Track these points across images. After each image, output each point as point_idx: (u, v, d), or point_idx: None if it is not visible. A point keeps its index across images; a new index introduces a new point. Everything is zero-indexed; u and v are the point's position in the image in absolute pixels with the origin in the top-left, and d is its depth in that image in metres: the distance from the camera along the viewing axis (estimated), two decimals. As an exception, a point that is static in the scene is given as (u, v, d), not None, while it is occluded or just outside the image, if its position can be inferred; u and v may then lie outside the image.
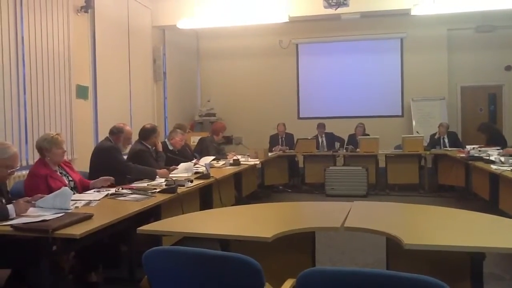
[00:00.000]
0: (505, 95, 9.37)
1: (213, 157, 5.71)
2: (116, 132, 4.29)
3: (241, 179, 5.78)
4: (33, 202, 2.82)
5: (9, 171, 2.86)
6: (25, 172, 4.65)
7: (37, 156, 4.97)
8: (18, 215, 2.60)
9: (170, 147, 5.42)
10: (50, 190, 3.23)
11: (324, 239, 4.13)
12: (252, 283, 1.56)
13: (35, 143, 3.52)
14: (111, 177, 3.69)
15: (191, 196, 4.07)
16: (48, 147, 3.36)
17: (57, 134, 3.49)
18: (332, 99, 9.86)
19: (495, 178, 5.10)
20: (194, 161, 5.38)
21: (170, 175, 4.31)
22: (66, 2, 5.78)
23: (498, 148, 6.45)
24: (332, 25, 9.31)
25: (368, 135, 8.17)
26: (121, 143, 4.27)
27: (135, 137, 4.76)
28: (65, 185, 3.43)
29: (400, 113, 9.65)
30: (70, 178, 3.56)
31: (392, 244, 2.37)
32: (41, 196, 2.89)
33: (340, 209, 2.81)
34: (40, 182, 3.26)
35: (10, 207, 2.60)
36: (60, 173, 3.51)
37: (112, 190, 3.50)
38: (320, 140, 8.33)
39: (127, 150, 4.41)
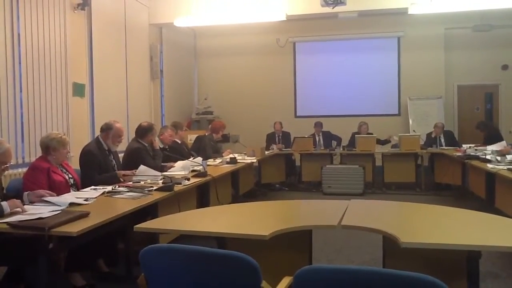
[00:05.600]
0: (502, 94, 9.40)
1: (208, 159, 5.70)
2: (105, 128, 4.07)
3: (238, 177, 5.79)
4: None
5: (2, 167, 2.86)
6: (21, 170, 4.64)
7: (33, 153, 5.01)
8: (12, 211, 2.60)
9: (161, 145, 5.19)
10: (50, 184, 3.24)
11: (321, 237, 4.13)
12: (249, 281, 1.56)
13: (40, 141, 3.50)
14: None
15: (188, 194, 4.07)
16: (56, 146, 3.41)
17: (64, 134, 3.56)
18: (329, 98, 9.87)
19: (491, 177, 5.11)
20: (190, 159, 5.36)
21: (167, 173, 4.29)
22: (63, 0, 5.76)
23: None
24: (329, 23, 9.31)
25: (372, 133, 8.16)
26: (109, 140, 4.04)
27: (131, 135, 4.72)
28: (66, 180, 3.46)
29: (397, 112, 9.68)
30: (70, 176, 3.59)
31: (389, 243, 2.37)
32: (39, 195, 2.90)
33: (337, 208, 2.81)
34: (42, 175, 3.28)
35: (4, 203, 2.60)
36: (61, 170, 3.53)
37: (109, 188, 3.50)
38: (317, 138, 8.34)
39: (117, 148, 4.26)
